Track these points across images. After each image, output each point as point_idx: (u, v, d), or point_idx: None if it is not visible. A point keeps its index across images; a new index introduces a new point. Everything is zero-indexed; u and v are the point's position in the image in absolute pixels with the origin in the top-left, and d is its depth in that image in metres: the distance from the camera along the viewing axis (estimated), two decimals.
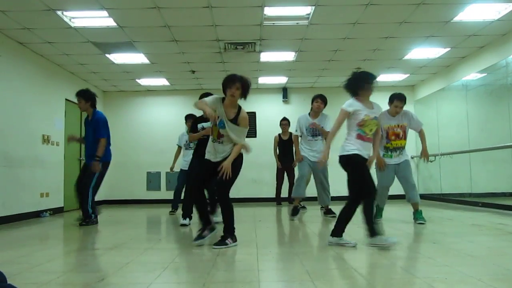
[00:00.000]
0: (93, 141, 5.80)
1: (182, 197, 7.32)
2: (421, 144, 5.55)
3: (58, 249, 4.30)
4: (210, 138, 4.13)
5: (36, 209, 7.30)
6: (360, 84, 4.01)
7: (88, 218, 5.74)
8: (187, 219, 5.67)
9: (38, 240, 4.99)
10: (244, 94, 3.99)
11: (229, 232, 3.98)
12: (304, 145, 6.37)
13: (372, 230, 3.81)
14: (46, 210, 7.52)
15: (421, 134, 5.55)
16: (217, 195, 4.12)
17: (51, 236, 5.42)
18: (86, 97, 5.92)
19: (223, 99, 4.07)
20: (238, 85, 3.91)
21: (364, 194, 3.88)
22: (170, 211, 7.52)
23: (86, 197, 5.76)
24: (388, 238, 3.78)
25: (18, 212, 6.74)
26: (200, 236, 4.06)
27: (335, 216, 6.16)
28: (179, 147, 7.56)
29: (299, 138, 6.48)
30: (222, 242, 3.90)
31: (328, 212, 6.38)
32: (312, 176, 6.55)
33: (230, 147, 4.01)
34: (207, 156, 4.10)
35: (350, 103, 4.02)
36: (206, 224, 4.12)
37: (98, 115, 5.96)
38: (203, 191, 4.18)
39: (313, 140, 6.27)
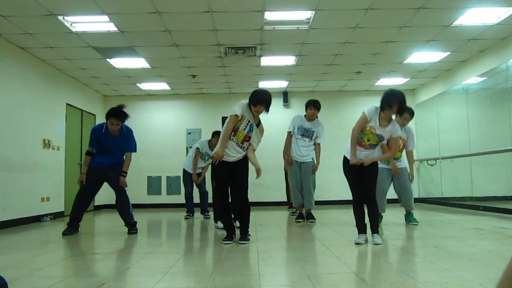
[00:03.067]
0: (118, 153, 5.41)
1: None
2: (409, 162, 5.75)
3: (58, 254, 4.29)
4: (233, 140, 4.39)
5: (36, 213, 7.30)
6: (383, 104, 4.12)
7: (135, 225, 5.46)
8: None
9: (38, 245, 4.99)
10: (267, 111, 4.44)
11: (247, 228, 4.50)
12: (292, 145, 6.37)
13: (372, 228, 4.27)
14: (46, 215, 7.53)
15: (410, 155, 5.72)
16: (239, 196, 4.47)
17: (51, 241, 5.41)
18: (125, 119, 5.30)
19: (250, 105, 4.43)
20: (265, 105, 4.35)
21: (353, 196, 4.34)
22: (186, 216, 7.39)
23: (128, 204, 5.43)
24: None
25: (18, 216, 6.74)
26: (230, 238, 4.43)
27: (314, 221, 6.30)
28: (198, 151, 7.22)
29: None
30: (245, 238, 4.40)
31: (309, 216, 6.41)
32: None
33: (244, 153, 4.45)
34: (225, 158, 4.41)
35: (370, 110, 4.17)
36: (232, 232, 4.51)
37: (129, 128, 5.48)
38: (228, 203, 4.57)
39: (301, 139, 6.30)
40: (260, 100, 4.31)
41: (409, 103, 11.00)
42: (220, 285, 2.78)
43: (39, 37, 6.50)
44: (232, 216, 4.76)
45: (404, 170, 5.68)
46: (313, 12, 5.80)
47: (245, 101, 4.44)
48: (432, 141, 9.82)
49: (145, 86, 9.92)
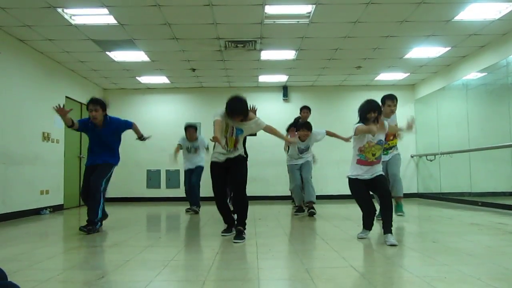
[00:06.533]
0: (107, 146, 5.25)
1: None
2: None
3: (58, 247, 4.30)
4: (219, 149, 4.42)
5: (36, 206, 7.30)
6: (363, 115, 4.19)
7: (92, 225, 4.96)
8: None
9: (38, 238, 5.00)
10: (245, 117, 4.35)
11: (244, 225, 4.41)
12: (291, 157, 6.66)
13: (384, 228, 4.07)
14: (46, 208, 7.54)
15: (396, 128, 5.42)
16: (236, 192, 4.52)
17: (51, 234, 5.43)
18: (104, 106, 5.21)
19: None
20: (237, 115, 4.26)
21: (363, 212, 4.31)
22: (187, 209, 7.30)
23: (98, 201, 5.04)
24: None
25: (18, 209, 6.74)
26: (228, 231, 4.57)
27: (315, 213, 6.36)
28: (180, 145, 7.33)
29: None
30: (240, 236, 4.28)
31: (311, 213, 6.40)
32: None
33: (239, 150, 4.46)
34: (218, 159, 4.46)
35: (357, 127, 4.18)
36: (231, 225, 4.61)
37: (113, 117, 5.36)
38: (226, 200, 4.67)
39: (301, 155, 6.58)
40: (232, 112, 4.24)
41: (409, 99, 11.07)
42: (219, 278, 2.79)
43: (38, 29, 6.47)
44: (232, 209, 4.78)
45: (396, 157, 5.59)
46: (314, 6, 5.78)
47: (222, 109, 4.36)
48: (431, 136, 9.83)
49: (145, 79, 9.90)
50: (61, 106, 4.85)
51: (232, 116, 4.25)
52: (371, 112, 4.13)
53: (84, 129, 5.27)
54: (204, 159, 7.40)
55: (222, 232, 4.51)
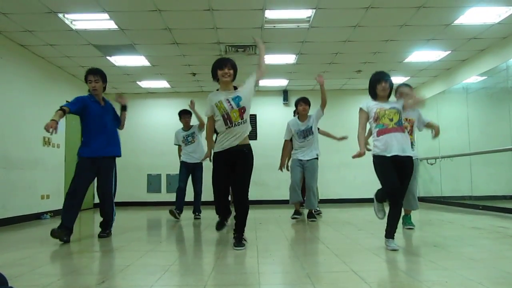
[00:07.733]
0: (110, 128, 4.86)
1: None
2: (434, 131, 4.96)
3: (58, 252, 4.29)
4: (227, 126, 4.06)
5: (36, 211, 7.30)
6: (371, 86, 3.96)
7: (109, 229, 4.99)
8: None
9: (38, 242, 4.99)
10: (235, 75, 4.19)
11: (242, 232, 4.10)
12: (295, 149, 6.42)
13: (387, 232, 3.88)
14: (46, 212, 7.53)
15: (430, 125, 5.02)
16: (238, 194, 4.10)
17: (51, 239, 5.41)
18: (104, 77, 4.86)
19: (216, 90, 4.24)
20: (229, 66, 4.09)
21: (385, 193, 3.88)
22: (172, 210, 6.96)
23: (111, 204, 4.96)
24: (391, 244, 3.82)
25: (18, 214, 6.74)
26: (222, 224, 4.41)
27: (315, 221, 6.22)
28: (179, 146, 7.20)
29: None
30: (240, 243, 3.99)
31: (310, 215, 6.34)
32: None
33: (247, 125, 4.12)
34: (223, 147, 4.08)
35: (364, 102, 3.96)
36: (226, 216, 4.47)
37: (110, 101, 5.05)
38: (227, 197, 4.38)
39: (305, 141, 6.33)
40: (219, 64, 4.08)
41: None
42: (219, 283, 2.78)
43: (39, 34, 6.49)
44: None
45: (416, 162, 4.82)
46: (314, 10, 5.80)
47: (210, 94, 4.26)
48: (432, 140, 9.81)
49: (145, 84, 9.92)
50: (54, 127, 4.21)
51: (218, 69, 4.06)
52: (381, 82, 3.79)
53: (81, 107, 4.65)
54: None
55: (216, 227, 4.40)
